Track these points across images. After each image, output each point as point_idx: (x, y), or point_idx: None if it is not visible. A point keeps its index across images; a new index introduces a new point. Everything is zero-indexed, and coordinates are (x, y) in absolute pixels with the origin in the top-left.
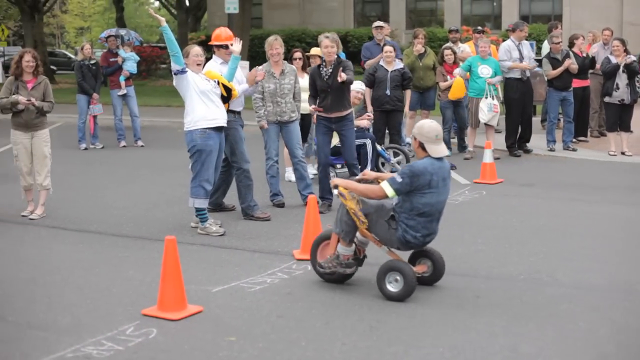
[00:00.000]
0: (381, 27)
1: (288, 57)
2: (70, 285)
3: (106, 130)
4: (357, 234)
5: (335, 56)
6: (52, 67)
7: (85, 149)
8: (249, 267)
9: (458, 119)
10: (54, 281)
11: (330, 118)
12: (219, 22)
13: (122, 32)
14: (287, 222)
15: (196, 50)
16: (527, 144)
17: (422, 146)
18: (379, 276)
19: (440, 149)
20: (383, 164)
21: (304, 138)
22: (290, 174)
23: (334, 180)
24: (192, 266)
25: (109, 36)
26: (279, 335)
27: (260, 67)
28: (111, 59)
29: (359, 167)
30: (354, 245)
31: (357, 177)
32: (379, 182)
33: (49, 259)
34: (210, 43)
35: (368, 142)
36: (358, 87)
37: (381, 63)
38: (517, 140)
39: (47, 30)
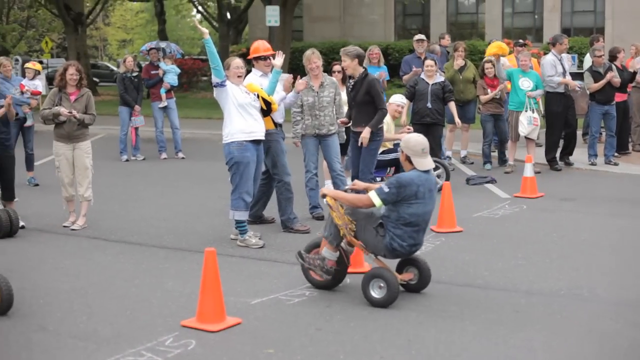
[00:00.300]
0: (422, 40)
1: (327, 70)
2: (110, 296)
3: (147, 142)
4: (344, 241)
5: (357, 70)
6: (94, 79)
7: (127, 160)
8: (287, 280)
9: (498, 132)
10: (94, 291)
11: (356, 132)
12: (260, 34)
13: (163, 44)
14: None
15: (237, 62)
16: (570, 157)
17: (408, 159)
18: (364, 282)
19: (426, 162)
20: None
21: (344, 151)
22: (329, 187)
23: (323, 190)
24: (231, 278)
25: (151, 49)
26: (317, 348)
27: (304, 78)
28: (152, 72)
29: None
30: (339, 252)
31: (347, 187)
32: (367, 192)
33: (90, 269)
34: (249, 57)
35: None
36: (398, 100)
37: (422, 76)
38: (560, 153)
39: (90, 42)
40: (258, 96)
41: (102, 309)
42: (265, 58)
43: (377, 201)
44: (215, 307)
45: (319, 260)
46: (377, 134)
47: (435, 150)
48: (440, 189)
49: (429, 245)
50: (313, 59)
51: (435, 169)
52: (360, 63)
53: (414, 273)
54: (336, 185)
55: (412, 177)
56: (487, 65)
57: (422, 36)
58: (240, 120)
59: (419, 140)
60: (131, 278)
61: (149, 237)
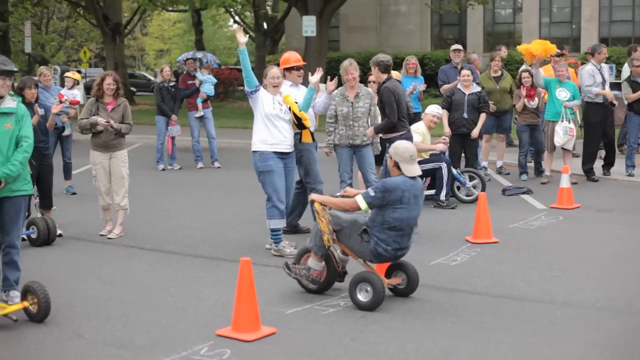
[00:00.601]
0: (459, 50)
1: (363, 80)
2: (146, 304)
3: (184, 151)
4: (339, 251)
5: (380, 78)
6: (131, 88)
7: (163, 169)
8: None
9: (535, 143)
10: (130, 300)
11: (383, 139)
12: (296, 44)
13: (200, 54)
14: None
15: (273, 72)
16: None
17: (397, 165)
18: (351, 286)
19: (413, 169)
20: (459, 188)
21: (380, 162)
22: None
23: (312, 196)
24: (266, 287)
25: (187, 59)
26: (352, 359)
27: (336, 91)
28: (189, 82)
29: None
30: (324, 262)
31: (339, 193)
32: None
33: (126, 278)
34: (280, 68)
35: (443, 165)
36: (434, 110)
37: (459, 86)
38: (602, 165)
39: (127, 52)
40: (290, 109)
41: (138, 317)
42: (297, 68)
43: (362, 205)
44: (250, 316)
45: (305, 270)
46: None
47: (471, 160)
48: (475, 200)
49: (465, 256)
50: (350, 70)
51: (471, 179)
52: (382, 70)
53: (402, 278)
54: None
55: (398, 183)
56: (524, 74)
57: (459, 46)
58: (264, 131)
59: (408, 147)
60: (167, 287)
61: (184, 246)
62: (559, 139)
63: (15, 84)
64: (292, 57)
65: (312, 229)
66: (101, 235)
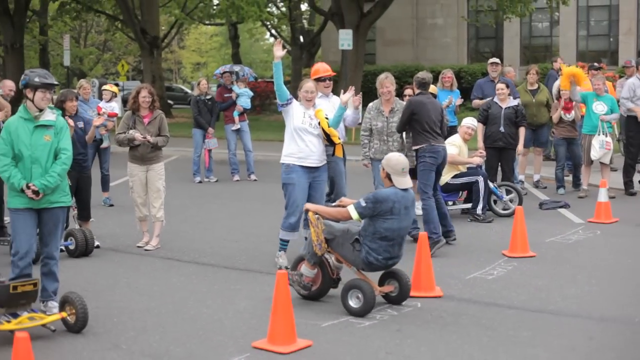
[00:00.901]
0: (496, 63)
1: (399, 94)
2: (183, 316)
3: (220, 164)
4: (333, 258)
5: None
6: (169, 101)
7: (200, 182)
8: None
9: (572, 157)
10: (167, 311)
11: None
12: (332, 58)
13: (237, 68)
14: None
15: (308, 86)
16: None
17: (388, 177)
18: (343, 293)
19: (404, 181)
20: (495, 202)
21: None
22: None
23: (306, 205)
24: (302, 300)
25: (224, 72)
26: None
27: (371, 104)
28: (225, 95)
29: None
30: (316, 269)
31: (334, 203)
32: None
33: (163, 289)
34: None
35: (480, 179)
36: (469, 122)
37: (495, 100)
38: None
39: (164, 65)
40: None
41: (174, 329)
42: (325, 79)
43: (354, 214)
44: (286, 329)
45: (297, 276)
46: (422, 155)
47: (508, 174)
48: (512, 214)
49: (501, 270)
50: (386, 83)
51: (508, 193)
52: (416, 86)
53: (395, 286)
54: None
55: (389, 194)
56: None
57: (497, 60)
58: (292, 144)
59: (400, 159)
60: (203, 299)
61: (221, 258)
62: (595, 152)
63: (54, 97)
64: (321, 68)
65: (307, 237)
66: (138, 247)
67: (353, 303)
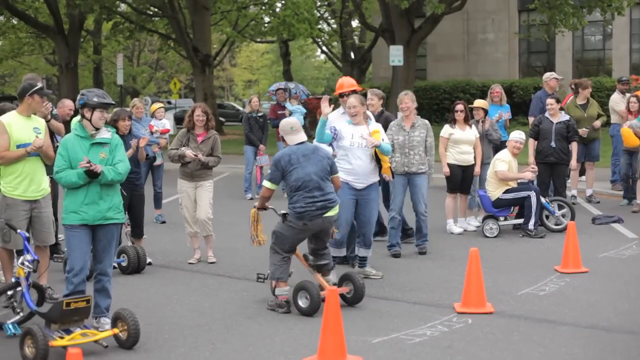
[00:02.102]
0: (557, 78)
1: (450, 109)
2: (233, 332)
3: (236, 178)
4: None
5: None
6: (220, 118)
7: (251, 198)
8: (409, 319)
9: (632, 170)
10: (218, 328)
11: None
12: (383, 74)
13: (292, 85)
14: (449, 274)
15: (350, 101)
16: None
17: (282, 139)
18: (293, 294)
19: (295, 138)
20: (547, 217)
21: (467, 189)
22: (451, 226)
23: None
24: (352, 316)
25: (278, 89)
26: None
27: (393, 122)
28: (279, 112)
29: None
30: (287, 287)
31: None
32: None
33: (214, 306)
34: (335, 93)
35: (532, 194)
36: (517, 136)
37: (546, 115)
38: None
39: (216, 83)
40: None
41: (225, 345)
42: (346, 95)
43: (267, 184)
44: (336, 345)
45: (272, 301)
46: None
47: (560, 189)
48: (564, 229)
49: (553, 286)
50: (405, 100)
51: (560, 208)
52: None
53: (350, 287)
54: (417, 224)
55: (284, 152)
56: (632, 99)
57: (555, 74)
58: (341, 162)
59: (289, 121)
60: (254, 315)
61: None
62: None
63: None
64: (345, 83)
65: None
66: (190, 263)
67: (302, 303)
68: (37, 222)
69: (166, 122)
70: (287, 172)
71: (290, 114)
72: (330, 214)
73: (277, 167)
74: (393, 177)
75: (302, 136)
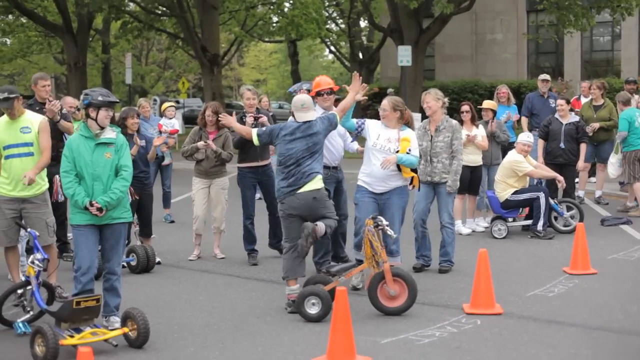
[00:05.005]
0: (546, 80)
1: (456, 109)
2: (242, 332)
3: None
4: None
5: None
6: None
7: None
8: (417, 320)
9: None
10: (227, 327)
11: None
12: (391, 74)
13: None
14: (458, 275)
15: (383, 103)
16: None
17: (292, 114)
18: (299, 301)
19: (303, 116)
20: (556, 218)
21: (476, 190)
22: (459, 227)
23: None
24: (361, 316)
25: (302, 89)
26: None
27: (419, 124)
28: None
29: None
30: (297, 285)
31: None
32: None
33: (223, 305)
34: (311, 93)
35: (541, 195)
36: (524, 139)
37: (556, 116)
38: None
39: (225, 82)
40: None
41: (234, 345)
42: (324, 93)
43: (254, 137)
44: (345, 345)
45: (288, 302)
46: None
47: (569, 191)
48: (573, 230)
49: (562, 287)
50: (426, 99)
51: (569, 209)
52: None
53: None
54: (443, 240)
55: (281, 125)
56: None
57: (547, 77)
58: (364, 163)
59: (301, 97)
60: (263, 315)
61: (281, 275)
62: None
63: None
64: (322, 81)
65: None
66: (190, 260)
67: (312, 310)
68: (28, 223)
69: (175, 122)
70: (274, 143)
71: None
72: (305, 189)
73: (270, 133)
74: (419, 188)
75: (310, 115)
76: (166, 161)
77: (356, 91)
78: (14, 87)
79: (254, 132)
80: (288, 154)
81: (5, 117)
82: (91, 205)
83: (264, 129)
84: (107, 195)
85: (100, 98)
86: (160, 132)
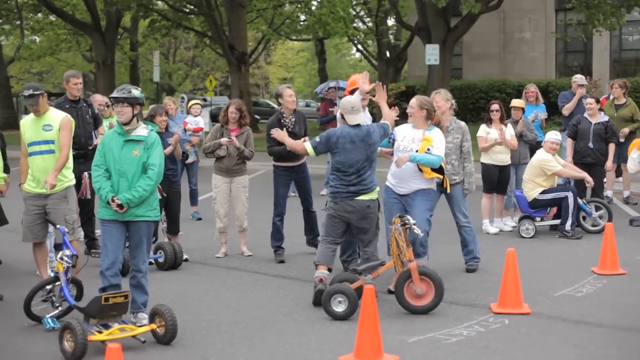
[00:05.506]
0: (582, 85)
1: (486, 109)
2: (269, 329)
3: (315, 179)
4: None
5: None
6: (255, 116)
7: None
8: (445, 319)
9: None
10: (254, 325)
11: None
12: (419, 72)
13: (342, 84)
14: (485, 275)
15: (411, 101)
16: None
17: (342, 117)
18: (325, 299)
19: (354, 118)
20: (584, 218)
21: (504, 189)
22: (487, 226)
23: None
24: (389, 315)
25: (329, 87)
26: None
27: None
28: (330, 109)
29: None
30: (326, 269)
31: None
32: None
33: (250, 302)
34: (345, 92)
35: (570, 195)
36: (552, 137)
37: (585, 115)
38: None
39: (252, 80)
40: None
41: (261, 342)
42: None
43: (309, 148)
44: (372, 343)
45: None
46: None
47: (597, 190)
48: (601, 230)
49: (590, 287)
50: (436, 99)
51: (597, 209)
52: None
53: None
54: (463, 240)
55: (335, 131)
56: None
57: (583, 80)
58: (391, 166)
59: (350, 100)
60: (290, 312)
61: (308, 272)
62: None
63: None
64: (357, 80)
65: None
66: (217, 257)
67: (338, 308)
68: (51, 218)
69: (200, 120)
70: (332, 151)
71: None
72: (363, 197)
73: (327, 142)
74: (447, 191)
75: (360, 118)
76: (190, 159)
77: (385, 100)
78: (39, 84)
79: (308, 146)
80: (348, 163)
81: (32, 114)
82: (112, 201)
83: (317, 140)
84: (129, 192)
85: (114, 94)
86: (185, 130)
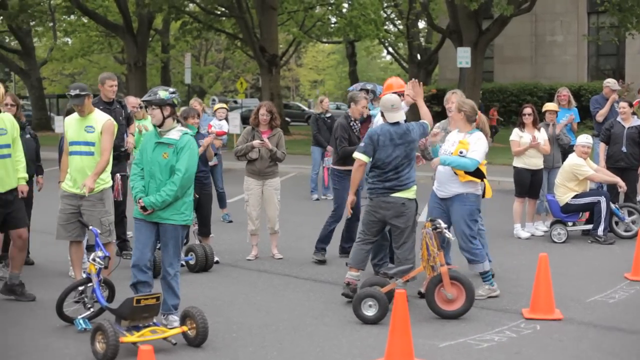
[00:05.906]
0: (614, 90)
1: (519, 113)
2: (300, 333)
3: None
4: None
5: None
6: (286, 118)
7: (317, 199)
8: (476, 324)
9: None
10: (285, 328)
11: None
12: (450, 75)
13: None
14: (517, 280)
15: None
16: None
17: (382, 115)
18: (356, 303)
19: (394, 116)
20: (617, 223)
21: (536, 194)
22: (518, 231)
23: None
24: (419, 320)
25: (361, 89)
26: None
27: (438, 125)
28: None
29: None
30: (358, 273)
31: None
32: None
33: (281, 305)
34: (381, 96)
35: (602, 199)
36: (583, 141)
37: (618, 119)
38: None
39: (282, 83)
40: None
41: (292, 345)
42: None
43: (362, 157)
44: (403, 348)
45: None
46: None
47: (630, 195)
48: (635, 236)
49: (623, 293)
50: (451, 99)
51: (630, 214)
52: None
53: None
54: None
55: (376, 129)
56: None
57: (616, 85)
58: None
59: (389, 98)
60: (321, 316)
61: (338, 276)
62: None
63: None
64: (395, 84)
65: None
66: (248, 260)
67: (369, 312)
68: (85, 220)
69: (224, 124)
70: (376, 149)
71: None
72: (399, 194)
73: (372, 141)
74: (486, 196)
75: (400, 115)
76: (212, 162)
77: (422, 97)
78: (86, 85)
79: (359, 155)
80: (387, 160)
81: (76, 114)
82: (138, 202)
83: (362, 145)
84: (153, 196)
85: (145, 97)
86: (209, 133)
